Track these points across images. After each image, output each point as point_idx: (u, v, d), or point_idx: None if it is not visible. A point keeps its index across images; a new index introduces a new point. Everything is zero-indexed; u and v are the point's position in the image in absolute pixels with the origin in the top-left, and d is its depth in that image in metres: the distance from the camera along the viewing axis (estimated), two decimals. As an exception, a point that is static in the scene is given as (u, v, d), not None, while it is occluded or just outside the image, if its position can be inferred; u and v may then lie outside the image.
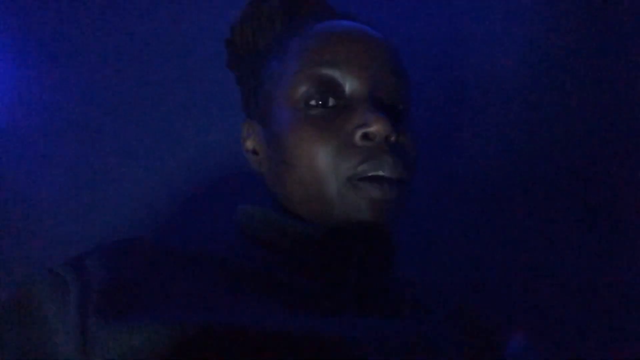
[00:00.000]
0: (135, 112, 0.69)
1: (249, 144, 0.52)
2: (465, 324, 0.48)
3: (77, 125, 0.67)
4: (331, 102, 0.44)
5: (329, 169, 0.42)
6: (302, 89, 0.44)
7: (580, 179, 0.73)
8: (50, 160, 0.66)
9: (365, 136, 0.42)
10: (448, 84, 0.75)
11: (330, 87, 0.44)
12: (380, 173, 0.42)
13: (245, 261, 0.40)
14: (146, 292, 0.33)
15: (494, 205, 0.73)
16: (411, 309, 0.45)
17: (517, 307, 0.69)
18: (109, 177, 0.67)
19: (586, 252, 0.72)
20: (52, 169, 0.66)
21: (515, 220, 0.73)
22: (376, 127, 0.41)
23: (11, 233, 0.64)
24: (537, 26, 0.76)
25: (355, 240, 0.43)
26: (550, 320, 0.70)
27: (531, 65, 0.75)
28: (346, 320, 0.37)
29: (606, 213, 0.73)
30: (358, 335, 0.34)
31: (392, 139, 0.43)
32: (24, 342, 0.33)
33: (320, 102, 0.44)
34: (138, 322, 0.30)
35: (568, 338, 0.69)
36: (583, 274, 0.71)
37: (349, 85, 0.45)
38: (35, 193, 0.65)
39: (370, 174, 0.42)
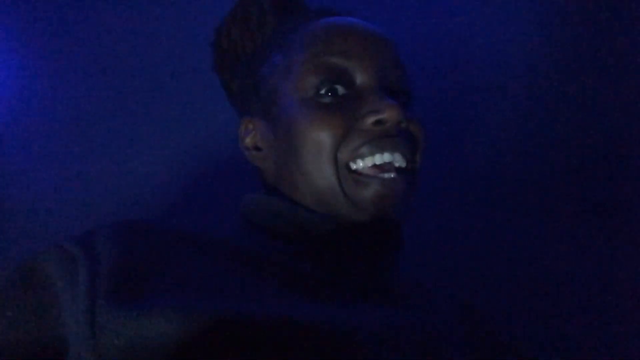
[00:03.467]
0: (136, 106, 0.69)
1: (249, 141, 0.51)
2: (468, 319, 0.48)
3: (77, 123, 0.67)
4: (341, 91, 0.45)
5: (331, 154, 0.43)
6: (312, 78, 0.45)
7: (582, 178, 0.73)
8: (51, 158, 0.66)
9: (377, 122, 0.43)
10: (451, 84, 0.75)
11: (340, 76, 0.45)
12: (395, 160, 0.43)
13: (254, 248, 0.40)
14: (157, 276, 0.33)
15: (496, 204, 0.73)
16: (415, 302, 0.45)
17: (518, 307, 0.69)
18: (110, 173, 0.67)
19: (587, 251, 0.72)
20: (52, 166, 0.66)
21: (517, 219, 0.73)
22: (389, 114, 0.42)
23: (11, 231, 0.64)
24: (541, 25, 0.76)
25: (364, 231, 0.43)
26: (551, 319, 0.70)
27: (535, 65, 0.75)
28: (356, 308, 0.37)
29: (608, 213, 0.73)
30: (368, 323, 0.34)
31: (403, 125, 0.44)
32: (31, 313, 0.32)
33: (330, 92, 0.44)
34: (149, 308, 0.29)
35: (568, 338, 0.69)
36: (584, 273, 0.71)
37: (359, 75, 0.45)
38: (35, 191, 0.65)
39: (382, 159, 0.42)
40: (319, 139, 0.43)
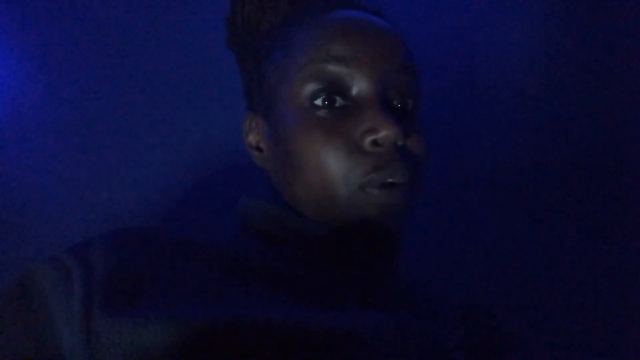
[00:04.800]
0: (135, 107, 0.69)
1: (252, 139, 0.50)
2: (467, 320, 0.48)
3: (77, 122, 0.67)
4: (338, 102, 0.43)
5: (339, 174, 0.41)
6: (308, 88, 0.43)
7: (581, 179, 0.73)
8: (51, 158, 0.66)
9: (375, 142, 0.41)
10: (452, 84, 0.75)
11: (337, 86, 0.43)
12: (392, 180, 0.41)
13: (250, 254, 0.39)
14: (152, 284, 0.32)
15: (496, 204, 0.73)
16: (415, 304, 0.45)
17: (518, 307, 0.69)
18: (109, 173, 0.67)
19: (587, 252, 0.72)
20: (52, 165, 0.66)
21: (517, 220, 0.73)
22: (385, 133, 0.40)
23: (10, 230, 0.64)
24: (544, 25, 0.76)
25: (362, 240, 0.43)
26: (551, 320, 0.70)
27: (537, 65, 0.75)
28: (352, 314, 0.37)
29: (609, 214, 0.73)
30: (364, 328, 0.34)
31: (400, 143, 0.42)
32: (26, 330, 0.32)
33: (326, 102, 0.43)
34: (145, 316, 0.29)
35: (568, 338, 0.69)
36: (584, 274, 0.71)
37: (357, 84, 0.43)
38: (35, 191, 0.65)
39: (382, 182, 0.41)
40: (320, 161, 0.42)
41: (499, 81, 0.75)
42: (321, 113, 0.43)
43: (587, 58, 0.75)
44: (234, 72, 0.55)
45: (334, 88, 0.43)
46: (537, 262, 0.72)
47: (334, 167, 0.41)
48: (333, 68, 0.42)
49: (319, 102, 0.43)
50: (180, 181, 0.69)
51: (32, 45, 0.67)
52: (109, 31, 0.69)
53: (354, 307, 0.39)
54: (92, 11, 0.69)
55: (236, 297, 0.34)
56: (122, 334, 0.29)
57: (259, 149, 0.50)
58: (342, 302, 0.39)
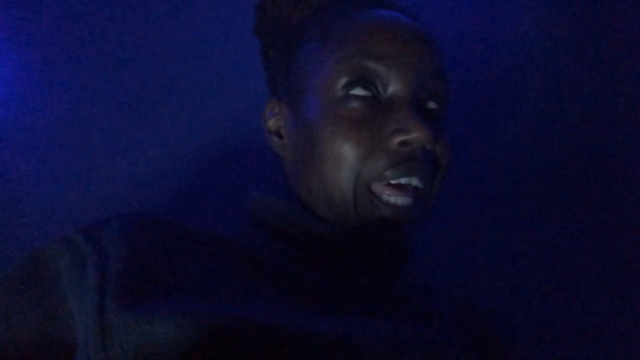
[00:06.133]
0: (138, 103, 0.69)
1: (272, 124, 0.49)
2: (467, 322, 0.48)
3: (77, 121, 0.67)
4: (371, 98, 0.42)
5: (354, 169, 0.41)
6: (343, 80, 0.42)
7: (583, 178, 0.73)
8: (51, 158, 0.66)
9: (404, 143, 0.41)
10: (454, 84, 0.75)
11: (372, 82, 0.42)
12: (413, 182, 0.41)
13: (261, 250, 0.39)
14: (164, 277, 0.32)
15: (497, 204, 0.73)
16: (415, 310, 0.45)
17: (519, 306, 0.69)
18: (111, 171, 0.67)
19: (587, 252, 0.72)
20: (52, 166, 0.66)
21: (518, 220, 0.73)
22: (416, 135, 0.40)
23: (10, 229, 0.64)
24: (541, 24, 0.76)
25: (370, 247, 0.43)
26: (552, 320, 0.70)
27: (539, 64, 0.75)
28: (352, 321, 0.37)
29: (610, 215, 0.73)
30: (362, 337, 0.33)
31: (429, 147, 0.42)
32: (41, 307, 0.32)
33: (358, 97, 0.42)
34: (159, 313, 0.29)
35: (569, 339, 0.69)
36: (585, 273, 0.71)
37: (393, 83, 0.43)
38: (35, 189, 0.65)
39: (399, 181, 0.41)
40: (341, 152, 0.41)
41: (499, 80, 0.75)
42: (352, 105, 0.42)
43: (589, 56, 0.75)
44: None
45: (369, 83, 0.42)
46: (538, 261, 0.72)
47: (352, 160, 0.41)
48: (371, 64, 0.42)
49: (351, 94, 0.42)
50: (185, 177, 0.69)
51: (32, 45, 0.67)
52: (109, 33, 0.69)
53: (355, 315, 0.39)
54: (93, 13, 0.69)
55: (245, 295, 0.34)
56: (136, 329, 0.28)
57: (278, 135, 0.49)
58: (343, 309, 0.39)
